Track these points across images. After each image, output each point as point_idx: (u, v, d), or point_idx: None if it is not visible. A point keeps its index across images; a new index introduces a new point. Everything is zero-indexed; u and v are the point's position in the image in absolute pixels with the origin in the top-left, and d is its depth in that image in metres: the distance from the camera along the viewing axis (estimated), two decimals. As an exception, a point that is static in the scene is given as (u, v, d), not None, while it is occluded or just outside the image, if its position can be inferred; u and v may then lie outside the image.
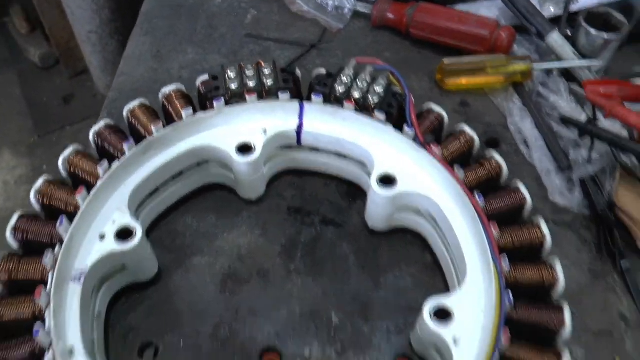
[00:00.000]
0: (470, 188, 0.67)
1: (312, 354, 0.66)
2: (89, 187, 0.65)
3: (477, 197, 0.65)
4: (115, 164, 0.66)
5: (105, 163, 0.66)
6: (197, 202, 0.79)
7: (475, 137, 0.74)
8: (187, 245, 0.74)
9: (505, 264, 0.60)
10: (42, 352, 0.55)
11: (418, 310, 0.62)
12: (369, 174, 0.73)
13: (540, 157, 0.83)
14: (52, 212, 0.66)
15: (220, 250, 0.74)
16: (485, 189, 0.69)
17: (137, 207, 0.70)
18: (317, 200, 0.80)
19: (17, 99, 2.55)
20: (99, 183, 0.65)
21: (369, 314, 0.69)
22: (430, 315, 0.59)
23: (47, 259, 0.59)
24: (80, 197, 0.63)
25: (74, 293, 0.59)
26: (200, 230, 0.76)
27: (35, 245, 0.63)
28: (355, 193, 0.80)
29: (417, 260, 0.74)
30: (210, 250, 0.74)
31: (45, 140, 2.40)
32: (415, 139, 0.71)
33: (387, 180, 0.70)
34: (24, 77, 2.62)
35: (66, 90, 2.57)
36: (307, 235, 0.76)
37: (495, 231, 0.62)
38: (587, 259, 0.75)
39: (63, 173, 0.70)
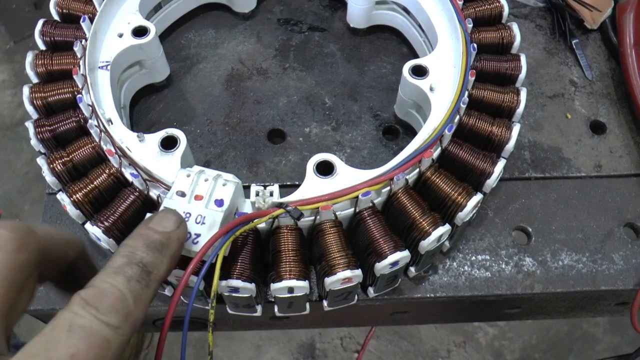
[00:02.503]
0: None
1: (311, 131, 0.77)
2: None
3: (443, -24, 0.75)
4: (124, -27, 0.74)
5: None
6: (196, 20, 0.87)
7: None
8: (192, 55, 0.84)
9: (469, 24, 0.70)
10: (85, 120, 0.65)
11: (398, 89, 0.72)
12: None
13: (499, -38, 0.92)
14: (71, 21, 0.74)
15: (222, 57, 0.83)
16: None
17: (146, 18, 0.78)
18: (302, 12, 0.89)
19: (-16, 8, 2.53)
20: (111, -11, 0.72)
21: (357, 96, 0.80)
22: (409, 72, 0.69)
23: (77, 47, 0.67)
24: (96, 1, 0.71)
25: (103, 77, 0.68)
26: (202, 42, 0.85)
27: (62, 45, 0.72)
28: (336, 5, 0.89)
29: (394, 51, 0.84)
30: (213, 57, 0.83)
31: (21, 45, 2.42)
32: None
33: (364, -23, 0.79)
34: (-11, -14, 2.59)
35: (35, -4, 2.55)
36: (297, 39, 0.85)
37: (459, 1, 0.72)
38: (543, 40, 0.86)
39: (74, -10, 0.77)
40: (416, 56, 0.83)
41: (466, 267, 0.68)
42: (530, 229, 0.70)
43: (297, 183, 0.71)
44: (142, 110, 0.79)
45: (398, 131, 0.76)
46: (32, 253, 0.37)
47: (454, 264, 0.68)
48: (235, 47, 0.84)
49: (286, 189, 0.71)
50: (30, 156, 2.11)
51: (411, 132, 0.76)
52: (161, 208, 0.53)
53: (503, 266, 0.68)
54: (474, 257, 0.69)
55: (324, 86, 0.80)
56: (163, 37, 0.84)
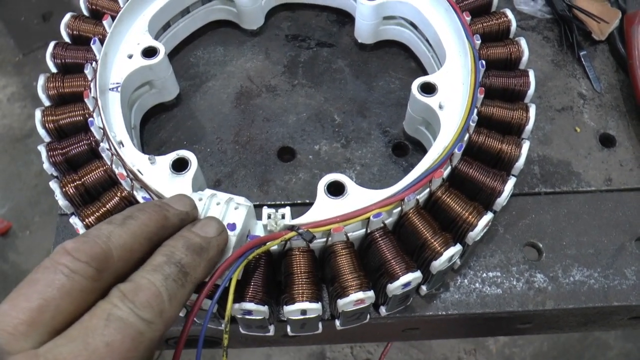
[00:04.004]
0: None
1: (321, 148, 0.77)
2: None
3: (449, -7, 0.75)
4: (132, -5, 0.75)
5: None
6: (205, 37, 0.88)
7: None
8: (201, 72, 0.84)
9: (477, 40, 0.70)
10: (97, 143, 0.65)
11: (407, 105, 0.73)
12: (354, -1, 0.82)
13: (505, -26, 0.92)
14: (82, 42, 0.74)
15: (230, 74, 0.84)
16: (458, -7, 0.78)
17: (154, 38, 0.78)
18: (310, 28, 0.89)
19: (-6, 20, 2.56)
20: (120, 11, 0.73)
21: (366, 113, 0.80)
22: (418, 90, 0.69)
23: (88, 70, 0.68)
24: (106, 22, 0.72)
25: (114, 99, 0.69)
26: (210, 60, 0.85)
27: (73, 67, 0.72)
28: (344, 20, 0.90)
29: (403, 66, 0.85)
30: (222, 74, 0.84)
31: (30, 57, 2.43)
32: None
33: (371, -6, 0.79)
34: (-3, -2, 2.62)
35: (43, 8, 2.58)
36: (305, 55, 0.86)
37: (467, 17, 0.72)
38: (551, 52, 0.86)
39: (85, 11, 0.78)
40: (424, 71, 0.83)
41: (477, 284, 0.68)
42: (540, 245, 0.70)
43: (307, 201, 0.72)
44: (152, 129, 0.79)
45: (407, 147, 0.77)
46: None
47: (465, 281, 0.68)
48: (244, 64, 0.85)
49: (297, 207, 0.72)
50: (40, 168, 2.12)
51: (420, 148, 0.76)
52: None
53: (514, 283, 0.68)
54: (485, 274, 0.69)
55: (332, 102, 0.81)
56: (172, 55, 0.85)
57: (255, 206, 0.70)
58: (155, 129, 0.79)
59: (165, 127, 0.79)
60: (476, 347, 1.84)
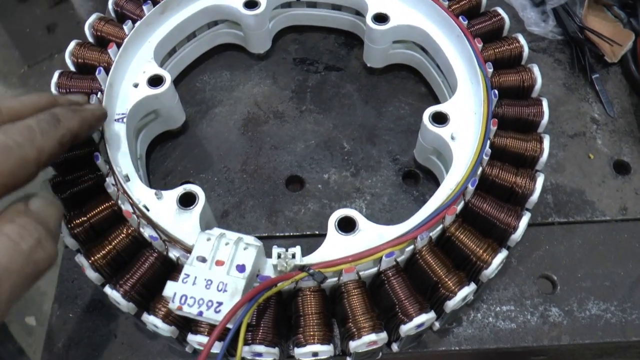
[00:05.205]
0: (455, 15, 0.75)
1: (330, 177, 0.76)
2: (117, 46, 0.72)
3: (460, 19, 0.74)
4: (138, 22, 0.73)
5: (129, 23, 0.73)
6: (211, 62, 0.87)
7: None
8: (207, 98, 0.83)
9: (490, 68, 0.69)
10: (102, 178, 0.64)
11: (417, 131, 0.71)
12: (363, 22, 0.81)
13: (516, -5, 0.91)
14: (87, 71, 0.73)
15: (237, 100, 0.83)
16: (468, 17, 0.77)
17: (159, 65, 0.77)
18: (318, 51, 0.88)
19: (-1, 32, 2.55)
20: (126, 39, 0.72)
21: (376, 140, 0.79)
22: (430, 120, 0.68)
23: (93, 101, 0.67)
24: (111, 51, 0.71)
25: (119, 131, 0.67)
26: (217, 85, 0.84)
27: (78, 98, 0.71)
28: (352, 43, 0.89)
29: (412, 91, 0.83)
30: (229, 100, 0.83)
31: (35, 70, 2.42)
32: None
33: (380, 19, 0.78)
34: (2, 9, 2.61)
35: (48, 20, 2.57)
36: (313, 80, 0.85)
37: (479, 44, 0.71)
38: (562, 75, 0.85)
39: (90, 38, 0.77)
40: (434, 96, 0.82)
41: (490, 319, 0.67)
42: (555, 277, 0.69)
43: (317, 233, 0.70)
44: (158, 158, 0.78)
45: (418, 176, 0.75)
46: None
47: (479, 315, 0.67)
48: (251, 89, 0.84)
49: (307, 238, 0.70)
50: (42, 178, 2.11)
51: (432, 177, 0.75)
52: (182, 274, 0.52)
53: (528, 317, 0.67)
54: (498, 308, 0.67)
55: (341, 129, 0.79)
56: (178, 80, 0.84)
57: (264, 237, 0.70)
58: (161, 157, 0.78)
59: (171, 156, 0.78)
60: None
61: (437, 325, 0.64)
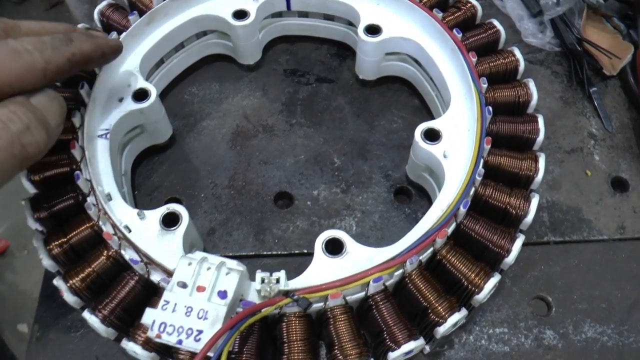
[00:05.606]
0: (449, 28, 0.73)
1: (319, 193, 0.74)
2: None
3: (455, 32, 0.72)
4: (124, 34, 0.72)
5: (114, 34, 0.71)
6: (200, 73, 0.85)
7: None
8: (195, 111, 0.81)
9: (484, 83, 0.67)
10: (84, 197, 0.62)
11: (410, 147, 0.69)
12: (356, 33, 0.79)
13: (512, 5, 0.89)
14: (72, 84, 0.71)
15: (226, 112, 0.81)
16: (463, 29, 0.75)
17: (146, 77, 0.75)
18: (310, 62, 0.86)
19: (-5, 34, 2.54)
20: (110, 52, 0.70)
21: (367, 155, 0.77)
22: (422, 137, 0.66)
23: (76, 117, 0.65)
24: (95, 64, 0.69)
25: (103, 148, 0.65)
26: (206, 97, 0.82)
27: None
28: (344, 53, 0.87)
29: (405, 104, 0.81)
30: (218, 112, 0.81)
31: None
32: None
33: (372, 30, 0.76)
34: (-2, 12, 2.60)
35: (43, 22, 2.55)
36: (304, 92, 0.83)
37: (473, 58, 0.69)
38: (559, 89, 0.83)
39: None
40: (427, 109, 0.80)
41: (483, 341, 0.65)
42: (550, 299, 0.67)
43: (305, 252, 0.68)
44: (143, 173, 0.76)
45: (411, 192, 0.73)
46: None
47: (471, 337, 0.65)
48: (240, 101, 0.82)
49: (294, 257, 0.68)
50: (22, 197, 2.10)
51: (424, 194, 0.73)
52: (161, 300, 0.50)
53: (522, 340, 0.65)
54: (491, 330, 0.65)
55: (332, 144, 0.77)
56: (165, 91, 0.82)
57: (251, 256, 0.68)
58: (147, 172, 0.76)
59: (157, 171, 0.76)
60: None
61: (427, 348, 0.62)
